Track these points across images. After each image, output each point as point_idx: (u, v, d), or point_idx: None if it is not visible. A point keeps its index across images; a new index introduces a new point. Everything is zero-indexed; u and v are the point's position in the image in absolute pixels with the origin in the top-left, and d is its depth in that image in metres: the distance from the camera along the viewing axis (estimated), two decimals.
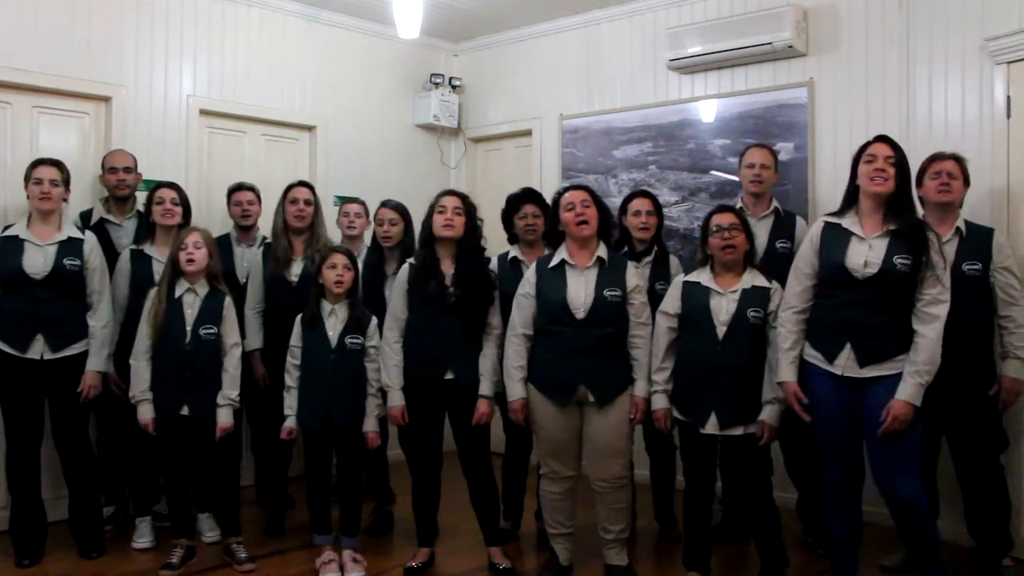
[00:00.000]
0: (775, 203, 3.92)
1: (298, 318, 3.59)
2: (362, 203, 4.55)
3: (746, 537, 3.92)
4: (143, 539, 3.86)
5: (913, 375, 2.87)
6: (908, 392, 2.86)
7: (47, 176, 3.62)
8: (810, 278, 3.10)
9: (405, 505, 4.21)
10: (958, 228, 3.41)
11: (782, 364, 3.09)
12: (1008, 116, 3.79)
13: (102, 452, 3.99)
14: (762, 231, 3.83)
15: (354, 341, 3.55)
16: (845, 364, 2.98)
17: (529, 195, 3.97)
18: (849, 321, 2.97)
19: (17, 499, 3.66)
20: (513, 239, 3.96)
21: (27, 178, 3.65)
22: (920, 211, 3.35)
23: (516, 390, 3.39)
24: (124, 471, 4.09)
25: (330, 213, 5.18)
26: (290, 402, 3.56)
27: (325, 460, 3.62)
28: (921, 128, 4.10)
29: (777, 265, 3.60)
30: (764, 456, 3.30)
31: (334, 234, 4.54)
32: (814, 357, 3.06)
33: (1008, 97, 3.80)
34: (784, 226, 3.86)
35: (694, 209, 4.93)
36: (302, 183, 4.20)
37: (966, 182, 3.45)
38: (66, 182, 3.70)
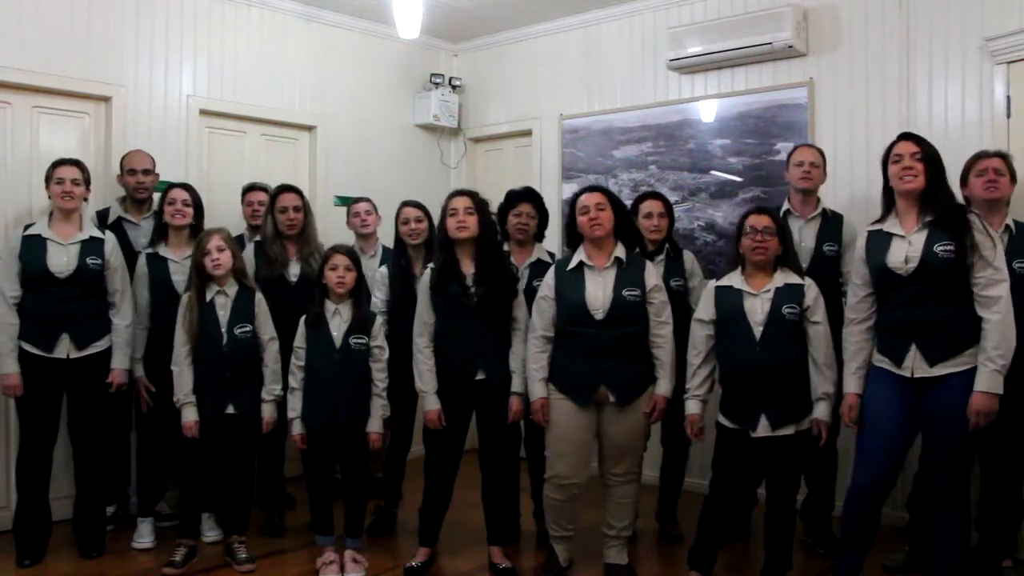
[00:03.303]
0: (822, 204, 3.85)
1: (302, 319, 3.59)
2: (369, 200, 4.54)
3: (747, 536, 3.93)
4: (144, 539, 3.86)
5: (985, 363, 2.79)
6: (984, 382, 2.79)
7: (68, 176, 3.65)
8: (864, 288, 3.07)
9: (407, 505, 4.22)
10: (1007, 226, 3.35)
11: (845, 375, 3.10)
12: (1008, 116, 3.80)
13: (107, 452, 3.98)
14: (810, 234, 3.76)
15: (358, 341, 3.55)
16: (914, 365, 2.92)
17: (529, 194, 3.96)
18: (909, 321, 2.92)
19: (25, 499, 3.66)
20: (504, 236, 3.93)
21: (48, 178, 3.68)
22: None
23: (538, 390, 3.39)
24: (127, 471, 4.09)
25: (331, 213, 5.21)
26: (294, 404, 3.57)
27: (327, 461, 3.62)
28: (921, 128, 4.07)
29: (825, 268, 3.58)
30: (803, 454, 3.26)
31: (336, 232, 4.53)
32: (883, 362, 3.01)
33: (1008, 97, 3.81)
34: (832, 228, 3.77)
35: (694, 209, 4.93)
36: (288, 188, 4.19)
37: (1012, 178, 3.39)
38: (87, 181, 3.74)
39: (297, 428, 3.55)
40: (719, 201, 4.83)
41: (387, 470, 4.19)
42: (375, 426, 3.59)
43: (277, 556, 3.81)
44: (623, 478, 3.42)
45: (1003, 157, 3.40)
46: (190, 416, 3.53)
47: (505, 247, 3.89)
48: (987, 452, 3.38)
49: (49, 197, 3.69)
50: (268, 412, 3.64)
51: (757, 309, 3.16)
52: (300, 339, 3.57)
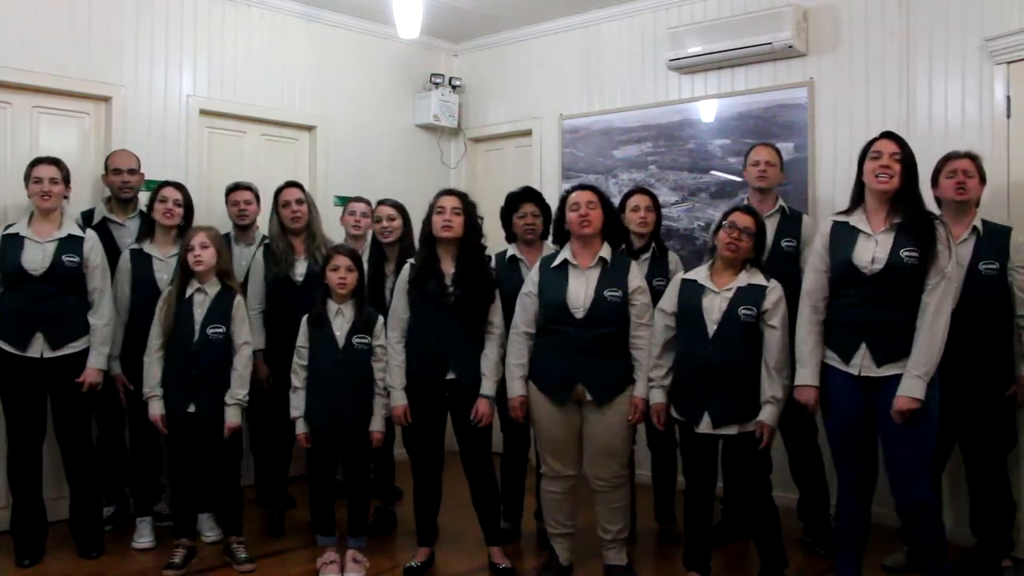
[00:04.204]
0: (780, 202, 3.90)
1: (304, 319, 3.59)
2: (368, 202, 4.55)
3: (746, 537, 3.92)
4: (143, 539, 3.86)
5: (910, 369, 2.85)
6: (906, 387, 2.85)
7: (47, 175, 3.63)
8: (824, 274, 3.08)
9: (406, 505, 4.23)
10: (975, 227, 3.38)
11: (805, 368, 3.07)
12: (1008, 116, 3.80)
13: (103, 452, 3.98)
14: (767, 230, 3.76)
15: (361, 341, 3.55)
16: (862, 364, 2.96)
17: (529, 194, 3.97)
18: (863, 320, 2.95)
19: (18, 498, 3.66)
20: (511, 238, 3.96)
21: (27, 177, 3.66)
22: (936, 210, 3.32)
23: (516, 388, 3.41)
24: (125, 471, 4.09)
25: (331, 213, 5.21)
26: (297, 403, 3.56)
27: (330, 461, 3.63)
28: (921, 128, 4.10)
29: (782, 264, 3.59)
30: (763, 455, 3.29)
31: (336, 232, 4.53)
32: (831, 359, 3.05)
33: (1008, 97, 3.80)
34: (790, 225, 3.82)
35: (694, 209, 4.93)
36: (291, 184, 4.20)
37: (982, 180, 3.42)
38: (66, 179, 3.71)
39: (301, 428, 3.55)
40: (719, 201, 4.83)
41: (376, 470, 4.19)
42: (378, 425, 3.59)
43: (277, 556, 3.81)
44: (611, 483, 3.39)
45: (972, 158, 3.42)
46: (155, 410, 3.53)
47: (512, 249, 3.90)
48: (971, 454, 3.41)
49: (29, 196, 3.67)
50: (230, 416, 3.58)
51: (715, 307, 3.18)
52: (303, 339, 3.57)
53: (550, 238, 3.99)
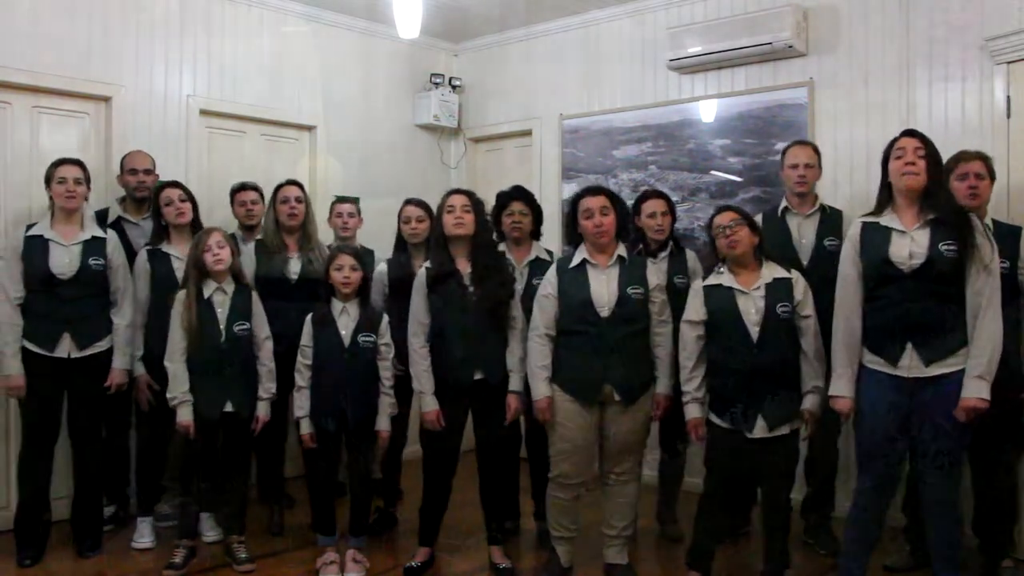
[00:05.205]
0: (820, 200, 3.84)
1: (308, 318, 3.59)
2: (354, 202, 4.54)
3: (747, 536, 3.93)
4: (144, 539, 3.86)
5: (976, 370, 2.80)
6: (976, 389, 2.79)
7: (71, 175, 3.65)
8: (858, 280, 3.01)
9: (406, 504, 4.23)
10: (986, 225, 3.31)
11: (841, 379, 3.00)
12: (1008, 116, 3.80)
13: (108, 452, 3.98)
14: (809, 229, 3.75)
15: (367, 340, 3.55)
16: (910, 365, 2.89)
17: (518, 193, 3.95)
18: (906, 319, 2.89)
19: (26, 497, 3.66)
20: (501, 236, 3.93)
21: (49, 178, 3.67)
22: None
23: (542, 389, 3.36)
24: (127, 471, 4.09)
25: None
26: (301, 403, 3.56)
27: (333, 460, 3.63)
28: (921, 128, 4.00)
29: (827, 262, 3.53)
30: (798, 450, 3.27)
31: (326, 234, 4.53)
32: (874, 363, 2.97)
33: (1008, 97, 3.80)
34: (831, 223, 3.75)
35: (694, 209, 4.93)
36: (292, 182, 4.20)
37: (992, 179, 3.39)
38: (87, 180, 3.74)
39: (306, 427, 3.55)
40: (719, 201, 4.81)
41: (384, 469, 4.19)
42: (383, 424, 3.60)
43: (277, 556, 3.81)
44: (624, 478, 3.42)
45: (983, 159, 3.38)
46: (187, 416, 3.50)
47: (502, 248, 3.89)
48: (977, 454, 3.37)
49: (50, 197, 3.69)
50: (263, 411, 3.63)
51: (751, 308, 3.15)
52: (307, 338, 3.57)
53: (542, 238, 4.02)
